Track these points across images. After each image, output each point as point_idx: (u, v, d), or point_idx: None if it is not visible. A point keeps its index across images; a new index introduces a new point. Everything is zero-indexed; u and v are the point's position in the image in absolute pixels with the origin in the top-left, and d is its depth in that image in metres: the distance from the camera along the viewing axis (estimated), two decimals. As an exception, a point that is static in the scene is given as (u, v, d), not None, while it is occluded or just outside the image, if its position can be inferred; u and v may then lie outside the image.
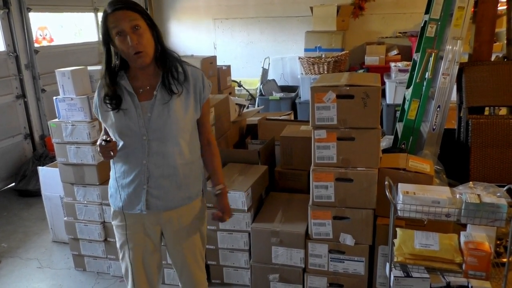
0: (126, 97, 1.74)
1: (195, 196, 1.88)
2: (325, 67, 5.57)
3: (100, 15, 1.71)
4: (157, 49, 1.72)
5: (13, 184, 4.69)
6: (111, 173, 1.88)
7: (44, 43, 5.41)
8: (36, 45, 5.09)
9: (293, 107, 6.02)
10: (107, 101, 1.73)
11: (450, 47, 2.92)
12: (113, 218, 1.90)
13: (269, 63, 6.88)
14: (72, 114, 2.75)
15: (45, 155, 4.76)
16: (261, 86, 6.39)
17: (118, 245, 1.92)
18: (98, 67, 2.91)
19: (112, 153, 1.68)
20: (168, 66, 1.74)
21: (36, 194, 4.28)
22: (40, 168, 3.42)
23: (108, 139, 1.67)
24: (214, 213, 1.91)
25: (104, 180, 2.86)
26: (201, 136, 1.90)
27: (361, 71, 6.04)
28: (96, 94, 1.83)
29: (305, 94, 5.89)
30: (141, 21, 1.64)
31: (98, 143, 1.72)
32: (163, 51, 1.74)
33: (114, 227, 1.91)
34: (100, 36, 1.69)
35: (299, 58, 5.87)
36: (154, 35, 1.69)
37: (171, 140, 1.74)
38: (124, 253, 1.89)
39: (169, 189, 1.79)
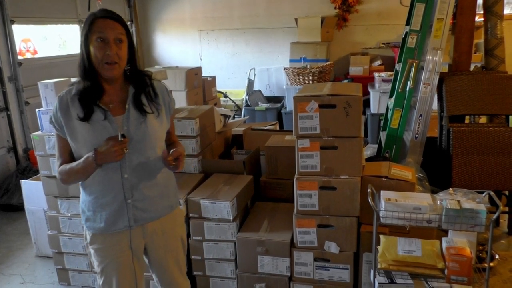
0: (97, 113, 1.70)
1: (175, 204, 1.93)
2: (310, 78, 5.62)
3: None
4: (130, 66, 1.76)
5: (-4, 198, 4.61)
6: (83, 196, 1.80)
7: (28, 55, 5.37)
8: (19, 57, 5.06)
9: (279, 117, 6.06)
10: (87, 95, 1.68)
11: (430, 57, 2.98)
12: (92, 242, 1.80)
13: (254, 74, 6.93)
14: (55, 126, 2.73)
15: (29, 169, 4.69)
16: (247, 97, 6.43)
17: (98, 269, 1.82)
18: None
19: (125, 151, 1.65)
20: (141, 84, 1.78)
21: (19, 208, 4.21)
22: (23, 182, 3.37)
23: (123, 133, 1.64)
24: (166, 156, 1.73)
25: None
26: (169, 142, 1.94)
27: (345, 81, 6.11)
28: (56, 103, 1.74)
29: (290, 104, 5.92)
30: (124, 37, 1.70)
31: (106, 144, 1.62)
32: (135, 69, 1.78)
33: (93, 251, 1.81)
34: (82, 38, 1.68)
35: (285, 68, 5.93)
36: (130, 53, 1.74)
37: (150, 150, 1.77)
38: (107, 276, 1.80)
39: (154, 199, 1.81)
